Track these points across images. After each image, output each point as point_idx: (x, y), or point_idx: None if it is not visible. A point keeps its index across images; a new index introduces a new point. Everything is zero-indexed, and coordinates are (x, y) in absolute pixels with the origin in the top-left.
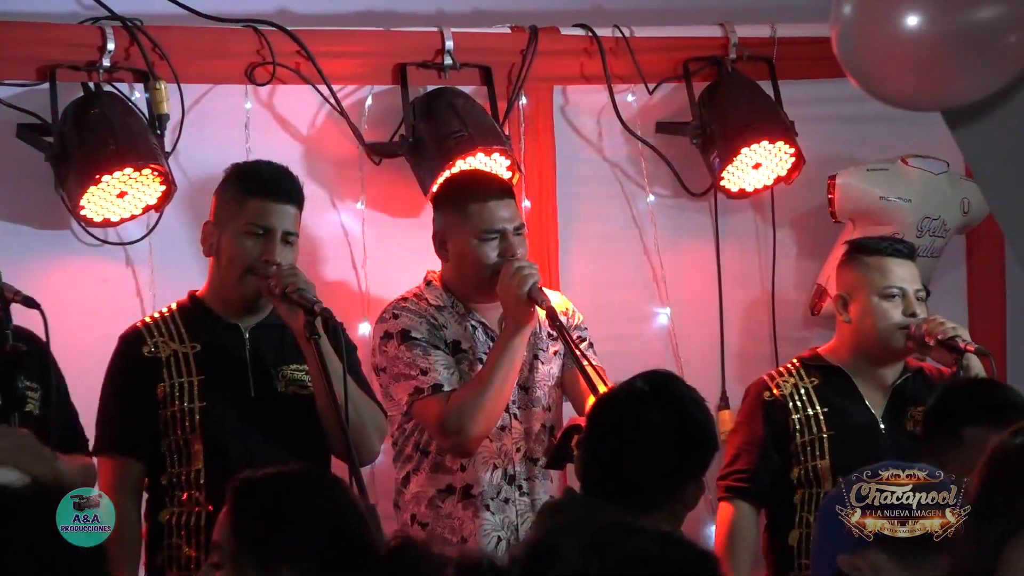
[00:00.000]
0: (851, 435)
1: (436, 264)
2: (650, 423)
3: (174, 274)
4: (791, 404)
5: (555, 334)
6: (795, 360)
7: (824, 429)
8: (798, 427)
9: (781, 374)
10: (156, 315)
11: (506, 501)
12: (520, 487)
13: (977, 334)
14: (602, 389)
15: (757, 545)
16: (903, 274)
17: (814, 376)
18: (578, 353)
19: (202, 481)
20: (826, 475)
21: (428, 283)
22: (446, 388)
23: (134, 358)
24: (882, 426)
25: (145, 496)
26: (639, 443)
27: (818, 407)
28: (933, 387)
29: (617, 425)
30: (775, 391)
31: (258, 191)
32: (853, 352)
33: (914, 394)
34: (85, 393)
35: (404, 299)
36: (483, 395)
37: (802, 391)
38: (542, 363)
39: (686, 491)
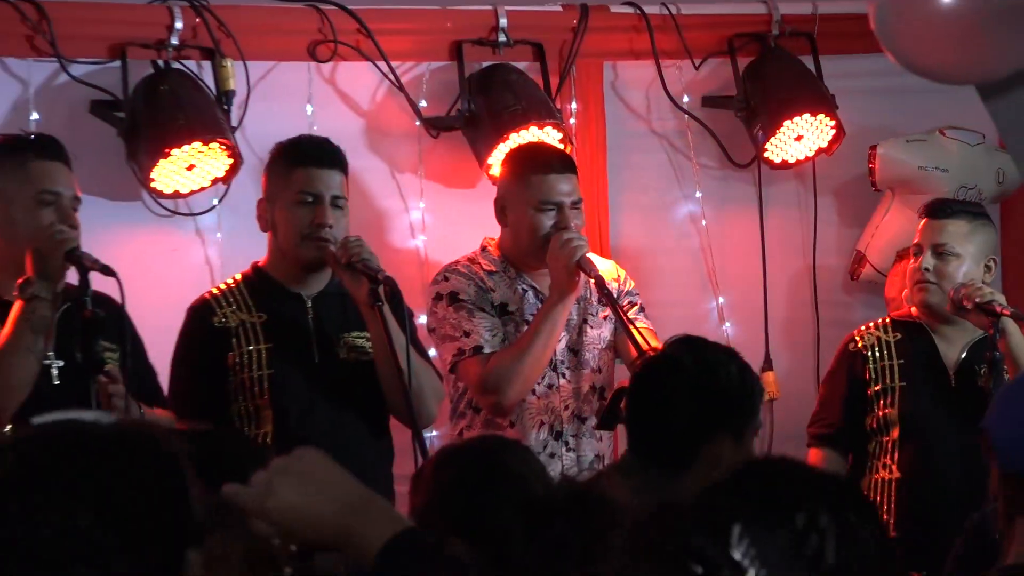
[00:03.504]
0: (921, 387)
1: (491, 232)
2: (672, 387)
3: (241, 243)
4: (870, 355)
5: (605, 301)
6: (887, 317)
7: (897, 379)
8: (874, 376)
9: (868, 328)
10: (223, 286)
11: (552, 456)
12: (567, 443)
13: (1012, 299)
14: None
15: None
16: (932, 231)
17: (898, 331)
18: (626, 319)
19: (270, 443)
20: (894, 422)
21: (483, 249)
22: (487, 350)
23: (204, 328)
24: (953, 381)
25: None
26: (663, 406)
27: (895, 359)
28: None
29: (647, 389)
30: (858, 343)
31: (303, 161)
32: (923, 314)
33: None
34: (157, 356)
35: (456, 263)
36: (521, 359)
37: (884, 343)
38: (591, 327)
39: (715, 452)
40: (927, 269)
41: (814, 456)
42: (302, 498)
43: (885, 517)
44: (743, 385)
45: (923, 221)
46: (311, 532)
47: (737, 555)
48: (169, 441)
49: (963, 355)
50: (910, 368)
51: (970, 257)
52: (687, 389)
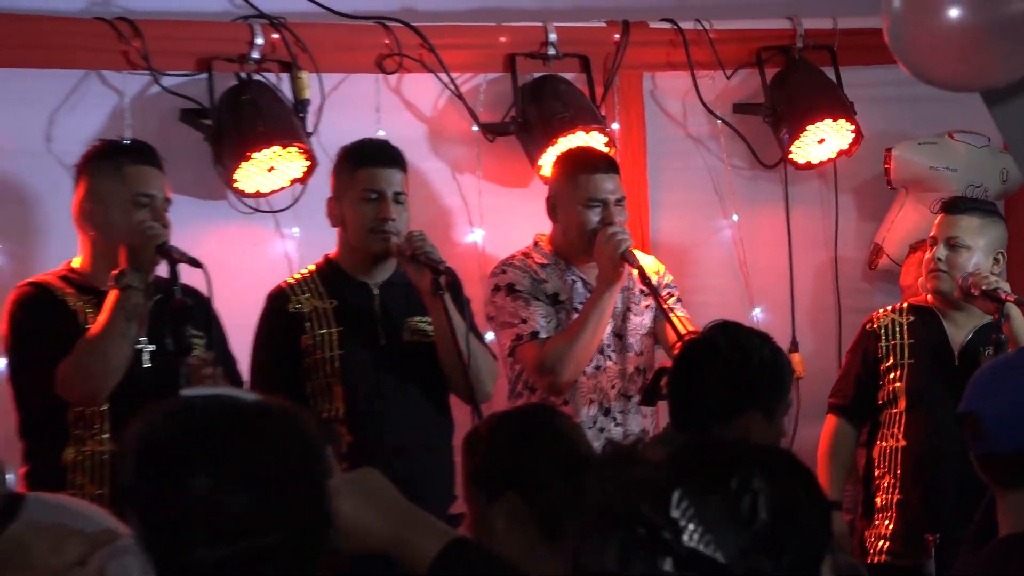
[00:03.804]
0: (927, 364)
1: (543, 227)
2: (708, 367)
3: (315, 237)
4: (883, 334)
5: (647, 291)
6: (905, 302)
7: (906, 357)
8: (885, 353)
9: (887, 311)
10: (298, 276)
11: (601, 431)
12: (615, 419)
13: (1016, 286)
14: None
15: (854, 458)
16: (945, 225)
17: (913, 315)
18: (665, 307)
19: (342, 417)
20: (900, 395)
21: (536, 244)
22: (542, 335)
23: (281, 314)
24: (957, 361)
25: None
26: (699, 384)
27: (906, 338)
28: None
29: (686, 369)
30: (874, 323)
31: (366, 162)
32: (936, 301)
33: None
34: (239, 339)
35: (512, 257)
36: (573, 342)
37: (897, 324)
38: (634, 315)
39: (746, 427)
40: (940, 259)
41: (828, 422)
42: (362, 510)
43: (892, 481)
44: (774, 366)
45: (940, 216)
46: (368, 539)
47: (675, 515)
48: (307, 419)
49: (969, 337)
50: (919, 347)
51: (980, 250)
52: (721, 369)
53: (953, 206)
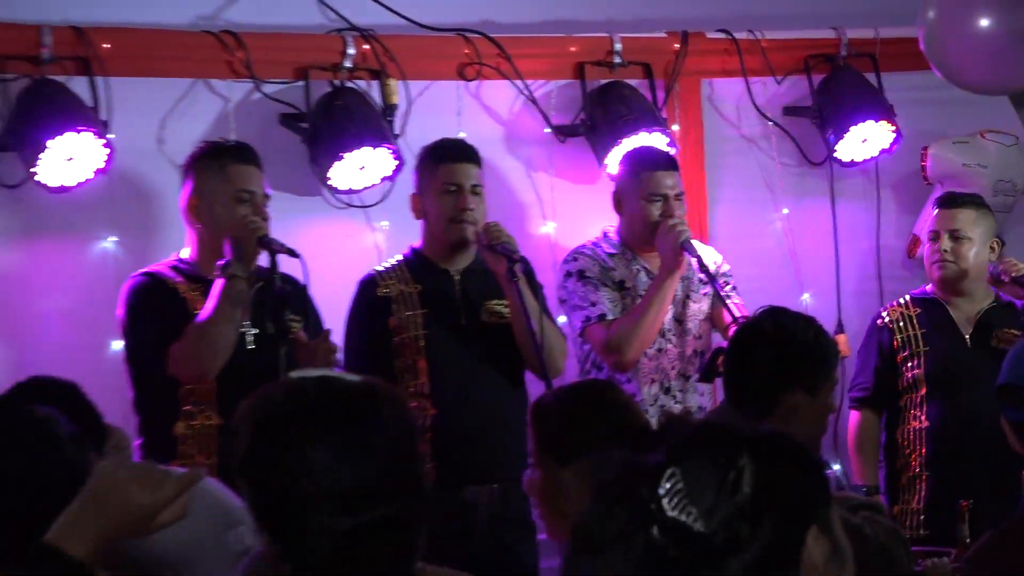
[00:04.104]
0: (942, 350)
1: (609, 221)
2: (757, 347)
3: (403, 230)
4: (896, 327)
5: (704, 279)
6: (906, 296)
7: (922, 346)
8: (902, 344)
9: (893, 307)
10: (386, 264)
11: (661, 407)
12: (675, 397)
13: None
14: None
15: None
16: (944, 219)
17: (918, 307)
18: (722, 294)
19: (426, 391)
20: (922, 382)
21: (604, 235)
22: (609, 317)
23: (371, 298)
24: (968, 343)
25: None
26: (749, 363)
27: (918, 329)
28: (1017, 315)
29: (738, 350)
30: (885, 319)
31: (445, 158)
32: (934, 287)
33: (1000, 320)
34: (333, 324)
35: (583, 246)
36: (637, 324)
37: (907, 317)
38: (693, 302)
39: (791, 402)
40: (946, 251)
41: (854, 417)
42: None
43: (918, 459)
44: (817, 346)
45: (937, 211)
46: None
47: (663, 490)
48: (404, 397)
49: (979, 319)
50: (932, 335)
51: (978, 240)
52: (768, 349)
53: (951, 201)
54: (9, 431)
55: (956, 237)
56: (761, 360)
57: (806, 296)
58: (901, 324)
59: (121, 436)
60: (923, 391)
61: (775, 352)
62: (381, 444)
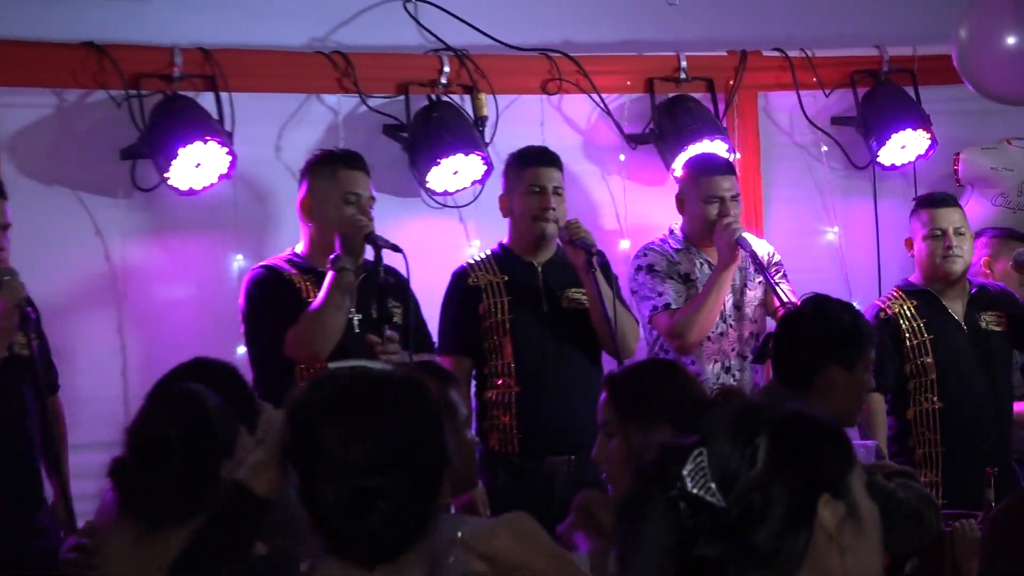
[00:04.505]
0: (945, 336)
1: (675, 219)
2: (796, 329)
3: (492, 227)
4: (900, 319)
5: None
6: (896, 289)
7: (926, 334)
8: (908, 334)
9: (889, 300)
10: (477, 258)
11: (722, 385)
12: (734, 376)
13: None
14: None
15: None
16: (944, 218)
17: (913, 299)
18: (772, 283)
19: (511, 371)
20: (931, 367)
21: (671, 232)
22: (674, 306)
23: (462, 286)
24: (964, 328)
25: (473, 382)
26: (790, 343)
27: (919, 319)
28: (994, 296)
29: (782, 332)
30: (888, 312)
31: (530, 162)
32: (927, 279)
33: (984, 302)
34: (430, 310)
35: (652, 243)
36: (697, 312)
37: (906, 309)
38: (749, 290)
39: (829, 377)
40: (957, 245)
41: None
42: (518, 545)
43: (932, 437)
44: (853, 328)
45: (935, 210)
46: (519, 572)
47: (688, 469)
48: (429, 388)
49: (964, 308)
50: (932, 323)
51: (968, 231)
52: (808, 330)
53: (942, 200)
54: (166, 402)
55: (961, 233)
56: (801, 340)
57: (850, 286)
58: (903, 314)
59: (271, 410)
60: (933, 376)
61: (814, 332)
62: (386, 424)
